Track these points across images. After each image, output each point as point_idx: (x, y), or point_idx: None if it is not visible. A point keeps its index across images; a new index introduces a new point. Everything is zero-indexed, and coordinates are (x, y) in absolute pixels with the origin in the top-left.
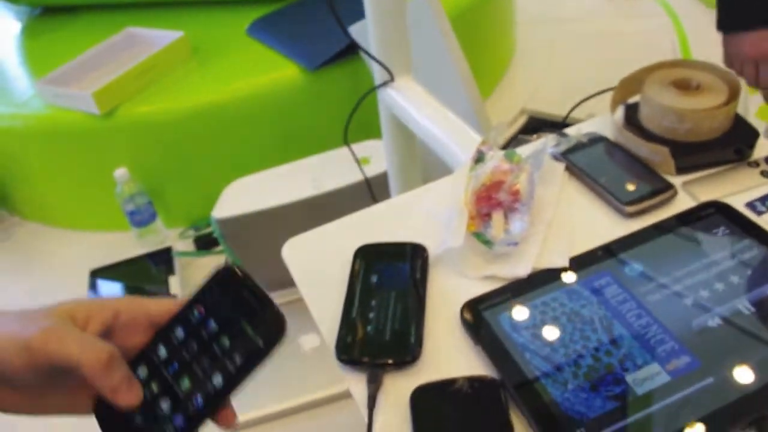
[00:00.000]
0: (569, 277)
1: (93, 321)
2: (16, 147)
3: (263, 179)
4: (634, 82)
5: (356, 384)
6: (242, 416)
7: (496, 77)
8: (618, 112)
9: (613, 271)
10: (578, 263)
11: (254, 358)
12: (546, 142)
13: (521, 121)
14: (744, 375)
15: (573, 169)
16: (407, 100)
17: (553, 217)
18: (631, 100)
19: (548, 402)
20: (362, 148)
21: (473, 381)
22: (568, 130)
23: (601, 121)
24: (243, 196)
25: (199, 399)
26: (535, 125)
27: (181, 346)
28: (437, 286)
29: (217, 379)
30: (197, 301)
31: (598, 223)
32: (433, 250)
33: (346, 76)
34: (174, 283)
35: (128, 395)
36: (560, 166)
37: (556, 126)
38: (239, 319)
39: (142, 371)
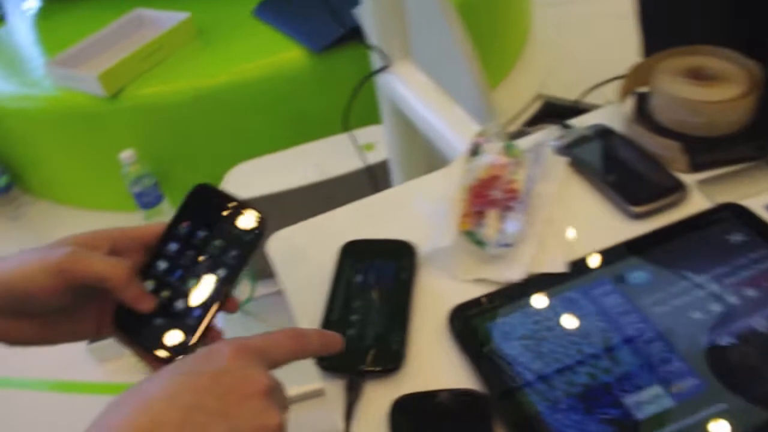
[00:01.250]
0: (566, 284)
1: (98, 249)
2: (27, 127)
3: (266, 164)
4: (646, 70)
5: (334, 391)
6: None
7: (511, 61)
8: (627, 102)
9: (615, 278)
10: (577, 268)
11: (246, 249)
12: (548, 134)
13: (536, 106)
14: (760, 401)
15: (576, 165)
16: (405, 85)
17: (553, 216)
18: (643, 89)
19: (537, 422)
20: (367, 133)
21: (458, 395)
22: (573, 122)
23: (610, 111)
24: (245, 181)
25: (210, 293)
26: (551, 111)
27: (178, 256)
28: (425, 288)
29: (221, 272)
30: (181, 218)
31: (601, 225)
32: (422, 249)
33: (353, 59)
34: None
35: (147, 302)
36: (562, 161)
37: (573, 112)
38: (223, 223)
39: (150, 284)
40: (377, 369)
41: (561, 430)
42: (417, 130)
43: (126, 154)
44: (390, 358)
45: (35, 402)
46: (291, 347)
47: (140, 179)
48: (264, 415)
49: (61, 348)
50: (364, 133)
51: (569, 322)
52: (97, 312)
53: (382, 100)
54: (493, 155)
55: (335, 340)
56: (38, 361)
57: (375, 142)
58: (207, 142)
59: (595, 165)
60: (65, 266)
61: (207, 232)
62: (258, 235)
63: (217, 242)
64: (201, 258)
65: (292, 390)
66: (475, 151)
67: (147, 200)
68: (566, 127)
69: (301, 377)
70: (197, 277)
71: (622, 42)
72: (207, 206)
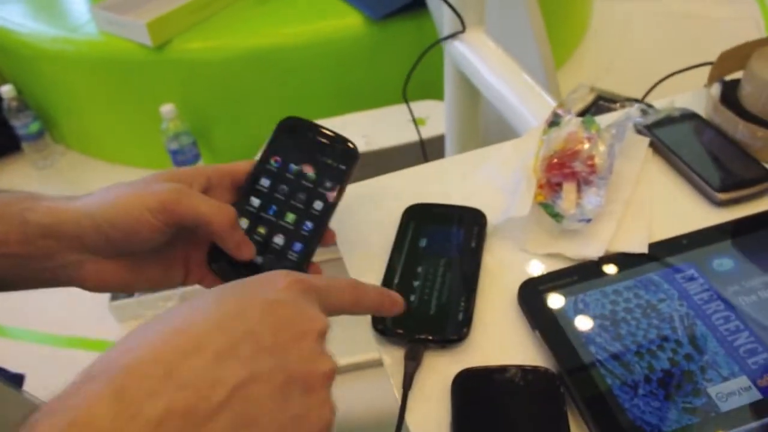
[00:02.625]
0: (647, 266)
1: (194, 186)
2: (65, 72)
3: None
4: (735, 58)
5: (391, 358)
6: None
7: (567, 51)
8: (713, 89)
9: (699, 263)
10: (658, 250)
11: (340, 180)
12: (630, 112)
13: (589, 99)
14: None
15: (658, 146)
16: (477, 55)
17: (632, 196)
18: (730, 77)
19: (613, 406)
20: (419, 107)
21: (527, 371)
22: (657, 103)
23: (692, 96)
24: None
25: (308, 224)
26: (603, 105)
27: (272, 191)
28: (493, 259)
29: (318, 204)
30: (270, 153)
31: (683, 209)
32: (491, 218)
33: (411, 30)
34: None
35: (248, 249)
36: (644, 141)
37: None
38: (315, 154)
39: (244, 222)
40: (439, 339)
41: (639, 416)
42: (480, 104)
43: (167, 108)
44: (454, 328)
45: (48, 356)
46: (349, 296)
47: (178, 136)
48: (318, 359)
49: (82, 303)
50: (417, 107)
51: (650, 304)
52: (185, 258)
53: (447, 69)
54: (572, 128)
55: (394, 301)
56: (57, 316)
57: (426, 117)
58: (251, 103)
59: (679, 148)
60: (168, 204)
61: (299, 165)
62: (351, 164)
63: (311, 174)
64: (295, 192)
65: (347, 359)
66: (554, 121)
67: (183, 159)
68: (650, 106)
69: (356, 346)
70: (294, 211)
71: (684, 42)
72: (296, 139)
